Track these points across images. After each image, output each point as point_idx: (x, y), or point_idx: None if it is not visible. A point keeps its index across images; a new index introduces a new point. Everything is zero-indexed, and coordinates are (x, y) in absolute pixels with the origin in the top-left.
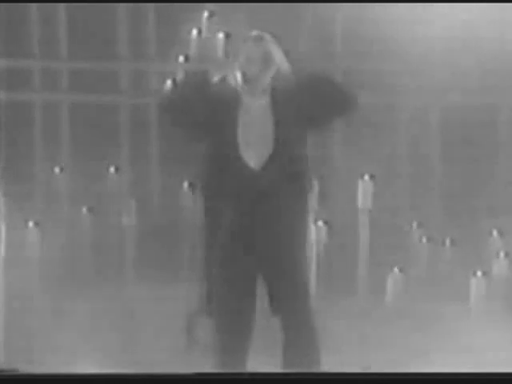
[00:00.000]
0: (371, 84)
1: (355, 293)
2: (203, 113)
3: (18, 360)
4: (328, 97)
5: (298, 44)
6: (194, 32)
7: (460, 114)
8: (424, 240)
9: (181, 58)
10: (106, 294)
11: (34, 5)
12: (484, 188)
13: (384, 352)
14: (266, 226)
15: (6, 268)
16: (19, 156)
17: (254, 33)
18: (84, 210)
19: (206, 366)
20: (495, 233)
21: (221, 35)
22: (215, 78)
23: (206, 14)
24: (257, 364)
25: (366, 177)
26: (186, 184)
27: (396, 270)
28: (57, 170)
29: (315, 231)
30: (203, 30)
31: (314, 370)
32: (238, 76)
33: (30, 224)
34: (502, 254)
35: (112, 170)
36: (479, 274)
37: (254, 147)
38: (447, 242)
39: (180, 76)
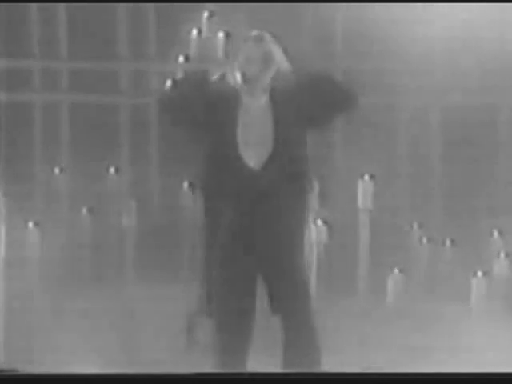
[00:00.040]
0: (371, 84)
1: (355, 293)
2: (203, 112)
3: (18, 360)
4: (328, 95)
5: (298, 44)
6: (194, 32)
7: (460, 114)
8: (424, 240)
9: (181, 58)
10: (105, 293)
11: (34, 5)
12: (484, 188)
13: (384, 352)
14: (265, 226)
15: (5, 268)
16: (19, 156)
17: (254, 33)
18: (84, 210)
19: (206, 365)
20: (496, 233)
21: (221, 35)
22: (214, 76)
23: (206, 14)
24: (257, 364)
25: (366, 177)
26: (186, 184)
27: (396, 270)
28: (57, 170)
29: (315, 231)
30: (203, 29)
31: (314, 370)
32: (238, 76)
33: (30, 224)
34: (502, 254)
35: (112, 170)
36: (480, 274)
37: (253, 147)
38: (447, 242)
39: (180, 75)
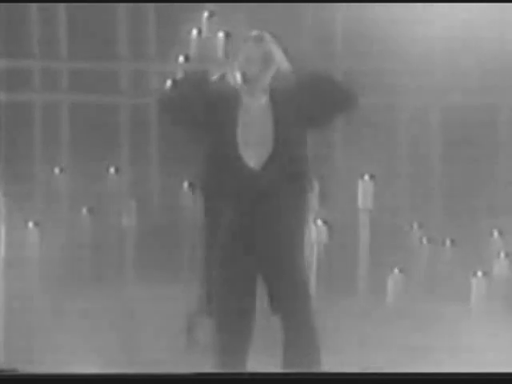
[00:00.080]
0: (371, 84)
1: (355, 293)
2: (203, 112)
3: (18, 360)
4: (328, 95)
5: (298, 44)
6: (194, 32)
7: (460, 114)
8: (424, 240)
9: (181, 58)
10: (105, 293)
11: (34, 5)
12: (484, 188)
13: (384, 352)
14: (265, 226)
15: (6, 268)
16: (19, 156)
17: (254, 33)
18: (84, 210)
19: (206, 365)
20: (495, 233)
21: (221, 35)
22: (214, 76)
23: (206, 14)
24: (257, 364)
25: (367, 177)
26: (186, 184)
27: (396, 270)
28: (57, 170)
29: (315, 231)
30: (203, 29)
31: (314, 370)
32: (238, 76)
33: (30, 224)
34: (502, 254)
35: (112, 170)
36: (480, 274)
37: (253, 147)
38: (447, 242)
39: (180, 75)
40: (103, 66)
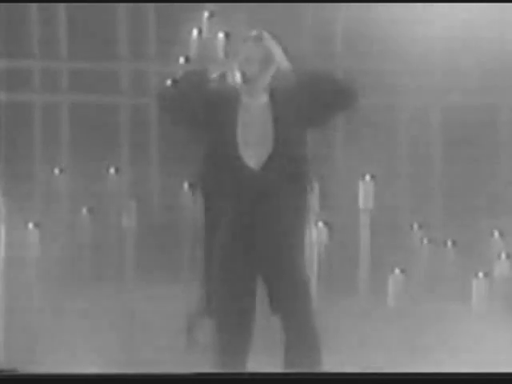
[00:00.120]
0: (371, 84)
1: (356, 293)
2: (203, 112)
3: (18, 360)
4: (328, 95)
5: (298, 44)
6: (195, 32)
7: (460, 114)
8: (425, 241)
9: (181, 58)
10: (105, 293)
11: (34, 5)
12: (485, 188)
13: (384, 352)
14: (265, 226)
15: (5, 268)
16: (19, 156)
17: (254, 33)
18: (84, 210)
19: (206, 365)
20: (496, 234)
21: (221, 35)
22: (213, 75)
23: (206, 14)
24: (257, 364)
25: (367, 177)
26: (186, 184)
27: (397, 270)
28: (57, 170)
29: (316, 232)
30: (203, 30)
31: (315, 370)
32: (238, 76)
33: (30, 224)
34: (503, 255)
35: (112, 170)
36: (481, 275)
37: (253, 147)
38: (448, 243)
39: (180, 74)
40: (103, 66)
